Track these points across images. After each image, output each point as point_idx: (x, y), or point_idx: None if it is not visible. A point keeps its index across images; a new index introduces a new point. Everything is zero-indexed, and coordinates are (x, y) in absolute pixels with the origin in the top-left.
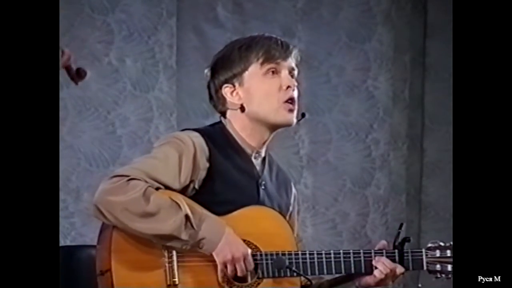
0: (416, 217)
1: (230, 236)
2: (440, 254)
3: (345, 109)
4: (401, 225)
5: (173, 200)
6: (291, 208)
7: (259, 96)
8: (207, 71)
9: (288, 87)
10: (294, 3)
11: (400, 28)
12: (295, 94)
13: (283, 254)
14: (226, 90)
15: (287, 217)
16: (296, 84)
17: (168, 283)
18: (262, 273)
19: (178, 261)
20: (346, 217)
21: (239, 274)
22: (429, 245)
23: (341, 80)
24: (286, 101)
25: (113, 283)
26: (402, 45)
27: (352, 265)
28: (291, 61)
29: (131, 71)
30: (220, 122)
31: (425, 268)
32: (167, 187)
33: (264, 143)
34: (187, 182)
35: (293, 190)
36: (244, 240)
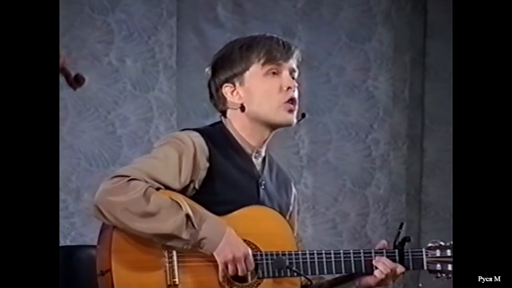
0: (416, 217)
1: (231, 236)
2: (440, 254)
3: (345, 109)
4: (401, 224)
5: (174, 200)
6: (291, 208)
7: (260, 96)
8: (207, 70)
9: (289, 88)
10: (294, 3)
11: (400, 28)
12: (296, 94)
13: (283, 254)
14: (226, 90)
15: (287, 217)
16: (296, 85)
17: (168, 283)
18: (262, 273)
19: (178, 261)
20: (346, 217)
21: (240, 274)
22: (430, 244)
23: (341, 80)
24: (287, 102)
25: (113, 283)
26: (402, 45)
27: (352, 265)
28: (292, 62)
29: (131, 71)
30: (220, 122)
31: (425, 267)
32: (167, 187)
33: (264, 142)
34: (187, 182)
35: (293, 190)
36: (244, 240)
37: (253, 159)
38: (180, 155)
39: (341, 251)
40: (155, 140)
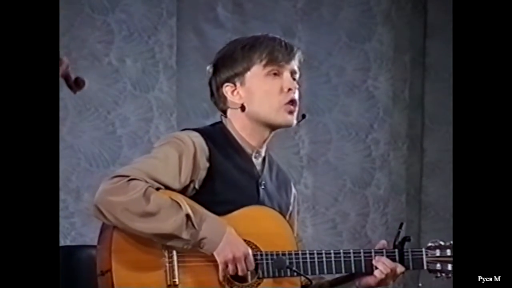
0: (416, 217)
1: (231, 236)
2: (440, 254)
3: (345, 109)
4: (401, 224)
5: (174, 200)
6: (291, 208)
7: (260, 97)
8: (209, 68)
9: (289, 89)
10: (294, 3)
11: (400, 28)
12: (296, 96)
13: (283, 254)
14: (227, 89)
15: (287, 217)
16: (297, 86)
17: (169, 283)
18: (263, 273)
19: (178, 261)
20: (346, 217)
21: (240, 273)
22: (429, 244)
23: (341, 80)
24: (287, 103)
25: (113, 283)
26: (402, 45)
27: (352, 265)
28: (294, 64)
29: (131, 71)
30: (220, 122)
31: (425, 267)
32: (167, 187)
33: (264, 142)
34: (187, 182)
35: (293, 190)
36: (244, 240)
37: (253, 159)
38: (180, 155)
39: (341, 251)
40: (155, 140)
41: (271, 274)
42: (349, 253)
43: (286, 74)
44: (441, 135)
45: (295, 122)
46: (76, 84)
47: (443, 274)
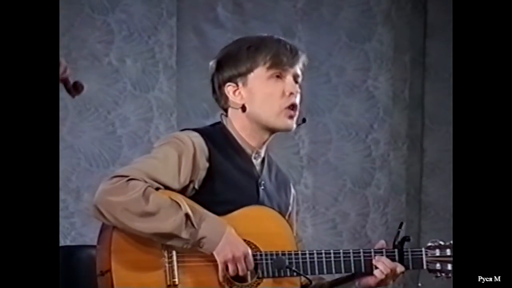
0: (416, 217)
1: (231, 236)
2: (440, 253)
3: (345, 109)
4: (401, 224)
5: (173, 200)
6: (290, 209)
7: (261, 99)
8: (212, 63)
9: (291, 93)
10: (294, 3)
11: (400, 28)
12: (297, 100)
13: (283, 254)
14: (229, 89)
15: (286, 218)
16: (299, 90)
17: (168, 283)
18: (262, 273)
19: (178, 261)
20: (346, 217)
21: (240, 273)
22: (429, 244)
23: (341, 80)
24: (287, 107)
25: (113, 284)
26: (402, 45)
27: (352, 265)
28: (297, 68)
29: (131, 71)
30: (220, 122)
31: (425, 267)
32: (166, 187)
33: (263, 144)
34: (187, 182)
35: (292, 190)
36: (244, 240)
37: (253, 160)
38: (179, 155)
39: (341, 251)
40: (155, 140)
41: (270, 274)
42: (349, 253)
43: (289, 78)
44: (441, 135)
45: (294, 126)
46: (75, 89)
47: (443, 274)
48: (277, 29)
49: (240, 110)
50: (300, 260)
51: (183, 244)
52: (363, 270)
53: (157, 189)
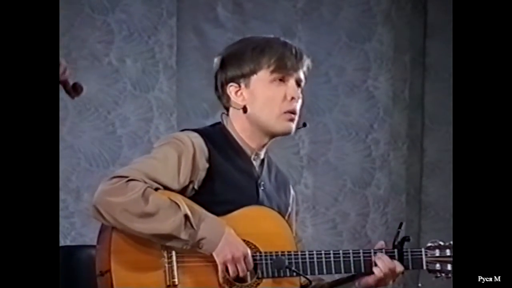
0: (416, 217)
1: (230, 236)
2: (440, 254)
3: (345, 109)
4: (401, 224)
5: (172, 200)
6: (289, 209)
7: (262, 102)
8: (216, 60)
9: (293, 98)
10: (294, 3)
11: (400, 28)
12: (298, 105)
13: (283, 254)
14: (231, 89)
15: (286, 218)
16: (300, 96)
17: (168, 283)
18: (262, 273)
19: (177, 262)
20: (346, 217)
21: (240, 274)
22: (429, 244)
23: (341, 80)
24: (288, 112)
25: (112, 284)
26: (402, 45)
27: (352, 265)
28: (301, 72)
29: (131, 71)
30: (220, 122)
31: (424, 267)
32: (166, 188)
33: (263, 146)
34: (187, 183)
35: (292, 191)
36: (243, 240)
37: (252, 161)
38: (179, 155)
39: (341, 251)
40: (155, 140)
41: (270, 274)
42: (348, 253)
43: (292, 82)
44: (441, 135)
45: (294, 129)
46: (74, 90)
47: (443, 274)
48: (277, 29)
49: (241, 111)
50: (300, 260)
51: (182, 245)
52: (362, 270)
53: (156, 189)
